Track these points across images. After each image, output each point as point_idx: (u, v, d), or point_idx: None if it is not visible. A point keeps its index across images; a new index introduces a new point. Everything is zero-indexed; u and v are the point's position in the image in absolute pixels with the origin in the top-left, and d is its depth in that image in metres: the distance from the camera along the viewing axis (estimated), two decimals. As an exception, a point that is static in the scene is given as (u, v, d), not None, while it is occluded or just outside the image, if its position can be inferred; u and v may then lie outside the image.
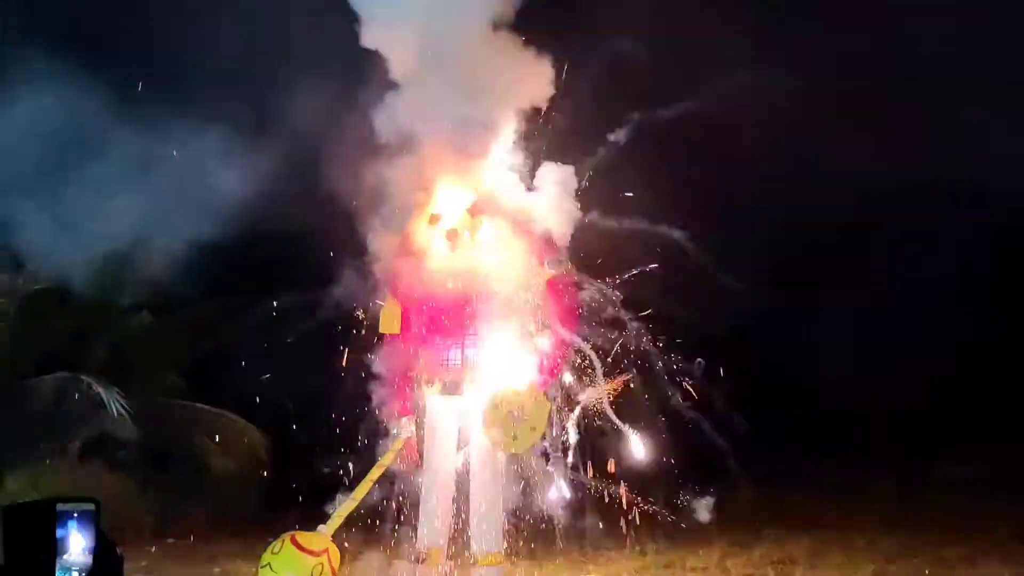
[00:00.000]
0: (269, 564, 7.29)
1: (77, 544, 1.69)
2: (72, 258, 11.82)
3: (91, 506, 1.74)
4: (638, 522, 8.27)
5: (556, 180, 8.02)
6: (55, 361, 12.56)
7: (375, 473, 7.76)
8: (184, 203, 9.38)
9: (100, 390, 11.95)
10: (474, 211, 8.03)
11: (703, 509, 8.97)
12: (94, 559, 1.69)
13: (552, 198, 8.04)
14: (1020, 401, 17.83)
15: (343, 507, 7.67)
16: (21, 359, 12.39)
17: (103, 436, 12.73)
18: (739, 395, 10.86)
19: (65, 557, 1.69)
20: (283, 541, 7.38)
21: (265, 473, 13.80)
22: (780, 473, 14.25)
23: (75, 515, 1.72)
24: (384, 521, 7.85)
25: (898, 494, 12.95)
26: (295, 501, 9.25)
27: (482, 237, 7.99)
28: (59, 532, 1.71)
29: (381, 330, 8.19)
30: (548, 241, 8.07)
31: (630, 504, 8.17)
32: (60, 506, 1.73)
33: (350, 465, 8.23)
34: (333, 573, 7.45)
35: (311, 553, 7.28)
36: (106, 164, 9.24)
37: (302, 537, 7.41)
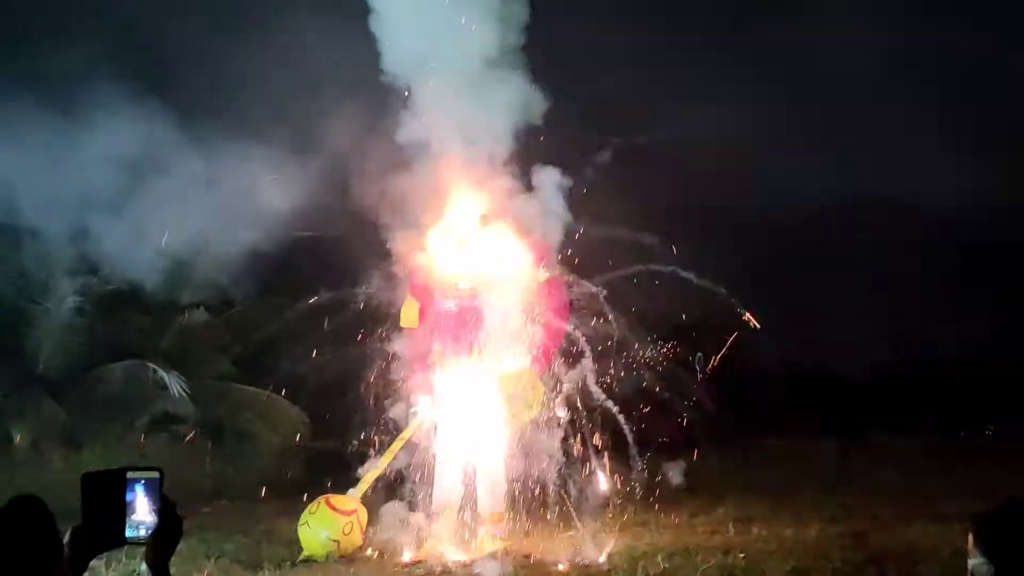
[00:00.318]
0: (307, 522, 7.36)
1: (144, 506, 1.71)
2: (141, 263, 11.85)
3: (156, 474, 1.75)
4: (619, 486, 8.29)
5: (551, 193, 8.06)
6: (125, 351, 12.60)
7: (397, 445, 7.82)
8: (235, 215, 9.40)
9: (164, 375, 12.00)
10: (481, 221, 8.08)
11: (676, 473, 9.00)
12: (158, 519, 1.71)
13: (547, 208, 8.08)
14: (946, 382, 17.85)
15: (370, 473, 7.74)
16: (96, 349, 12.43)
17: (166, 414, 12.77)
18: (707, 378, 10.89)
19: (133, 517, 1.71)
20: (319, 503, 7.45)
21: (304, 445, 13.84)
22: (740, 444, 14.27)
23: (142, 481, 1.74)
24: (405, 484, 7.87)
25: (838, 462, 12.93)
26: (329, 469, 9.26)
27: (488, 244, 8.04)
28: (128, 496, 1.72)
29: (402, 324, 8.25)
30: (544, 247, 8.11)
31: (612, 471, 8.20)
32: (129, 474, 1.75)
33: (376, 438, 8.27)
34: (362, 530, 7.51)
35: (343, 513, 7.35)
36: (169, 182, 9.25)
37: (335, 499, 7.48)
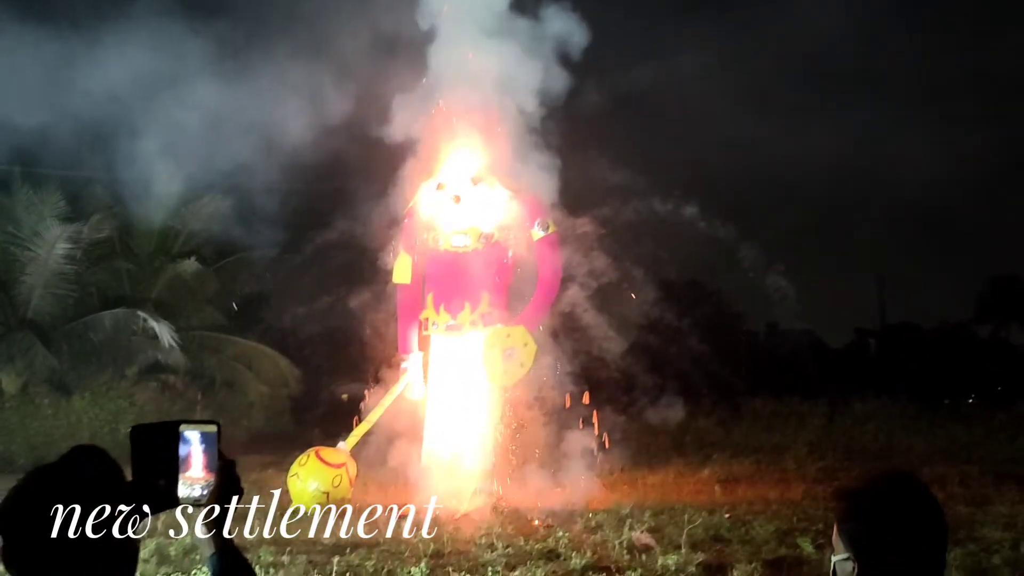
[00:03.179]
0: (297, 474, 7.34)
1: (198, 463, 1.58)
2: (133, 210, 11.70)
3: (213, 428, 1.61)
4: (607, 446, 8.30)
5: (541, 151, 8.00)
6: (116, 299, 12.50)
7: (387, 399, 7.79)
8: (228, 166, 9.23)
9: (154, 324, 11.90)
10: (476, 179, 7.99)
11: (674, 409, 9.06)
12: (217, 477, 1.57)
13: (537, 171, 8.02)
14: (929, 349, 17.97)
15: (360, 427, 7.71)
16: (87, 297, 12.32)
17: (156, 363, 12.71)
18: (697, 334, 10.89)
19: (186, 474, 1.56)
20: (309, 455, 7.43)
21: (294, 397, 13.83)
22: (727, 405, 14.31)
23: (198, 435, 1.61)
24: (395, 439, 7.86)
25: (824, 425, 13.00)
26: (319, 420, 9.23)
27: (482, 201, 7.95)
28: (182, 450, 1.58)
29: (394, 280, 8.19)
30: (538, 205, 8.03)
31: (601, 430, 8.21)
32: (183, 427, 1.61)
33: (366, 392, 8.24)
34: (350, 482, 7.50)
35: (332, 465, 7.32)
36: (163, 132, 9.04)
37: (325, 452, 7.46)
